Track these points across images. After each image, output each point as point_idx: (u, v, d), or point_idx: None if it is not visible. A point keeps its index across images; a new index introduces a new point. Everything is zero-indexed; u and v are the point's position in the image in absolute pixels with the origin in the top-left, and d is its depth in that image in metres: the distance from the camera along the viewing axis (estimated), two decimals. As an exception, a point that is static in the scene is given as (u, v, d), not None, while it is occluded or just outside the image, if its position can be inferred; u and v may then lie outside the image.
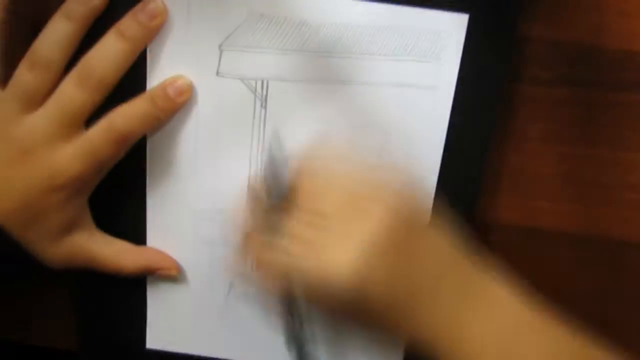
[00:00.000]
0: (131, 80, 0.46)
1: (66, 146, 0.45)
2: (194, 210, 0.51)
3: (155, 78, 0.47)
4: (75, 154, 0.45)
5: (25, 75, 0.44)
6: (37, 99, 0.44)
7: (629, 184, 0.51)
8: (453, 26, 0.45)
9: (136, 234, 0.52)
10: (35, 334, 0.56)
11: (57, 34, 0.44)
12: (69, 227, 0.48)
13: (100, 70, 0.44)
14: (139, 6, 0.44)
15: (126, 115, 0.45)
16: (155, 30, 0.45)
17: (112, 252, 0.50)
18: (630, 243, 0.52)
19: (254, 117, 0.48)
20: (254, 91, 0.47)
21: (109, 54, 0.44)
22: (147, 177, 0.50)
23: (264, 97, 0.47)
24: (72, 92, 0.44)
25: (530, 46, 0.48)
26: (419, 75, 0.46)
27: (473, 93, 0.46)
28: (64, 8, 0.44)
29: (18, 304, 0.56)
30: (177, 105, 0.47)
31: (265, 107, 0.48)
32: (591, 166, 0.51)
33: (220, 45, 0.46)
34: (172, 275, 0.52)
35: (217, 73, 0.47)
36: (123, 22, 0.44)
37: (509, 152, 0.51)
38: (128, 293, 0.54)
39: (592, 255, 0.53)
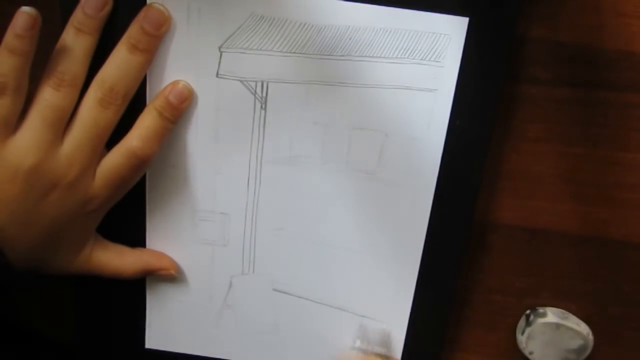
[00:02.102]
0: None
1: (94, 172, 0.45)
2: (193, 211, 0.51)
3: (155, 79, 0.47)
4: (104, 182, 0.46)
5: (53, 96, 0.43)
6: (65, 119, 0.44)
7: (629, 184, 0.51)
8: (453, 29, 0.45)
9: (136, 234, 0.52)
10: (34, 333, 0.56)
11: (75, 48, 0.43)
12: (85, 242, 0.49)
13: (123, 87, 0.44)
14: (144, 15, 0.44)
15: (143, 137, 0.46)
16: (162, 37, 0.45)
17: (109, 257, 0.50)
18: (630, 243, 0.52)
19: (253, 119, 0.48)
20: (254, 93, 0.47)
21: (128, 69, 0.44)
22: (147, 178, 0.50)
23: (263, 98, 0.47)
24: (97, 114, 0.44)
25: (530, 47, 0.48)
26: (419, 77, 0.46)
27: (473, 95, 0.47)
28: (75, 22, 0.43)
29: (18, 304, 0.56)
30: (182, 112, 0.47)
31: (265, 109, 0.48)
32: (591, 166, 0.51)
33: (220, 47, 0.46)
34: (172, 275, 0.52)
35: (217, 74, 0.47)
36: (133, 35, 0.44)
37: (509, 152, 0.51)
38: (127, 293, 0.54)
39: (592, 255, 0.53)
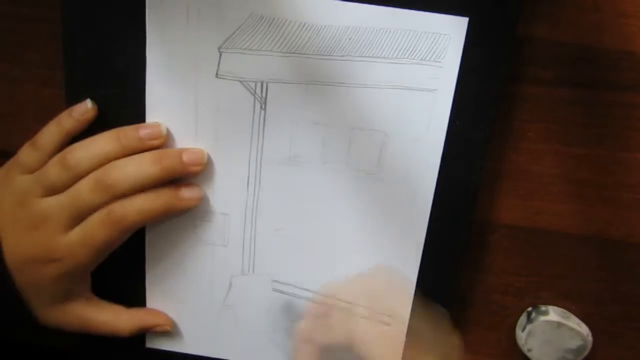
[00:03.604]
0: (131, 81, 0.46)
1: (69, 232, 0.47)
2: (193, 211, 0.51)
3: (155, 80, 0.47)
4: (75, 238, 0.47)
5: (54, 170, 0.46)
6: (57, 191, 0.46)
7: (629, 184, 0.51)
8: (453, 29, 0.45)
9: (136, 234, 0.51)
10: (35, 333, 0.56)
11: (97, 147, 0.46)
12: (65, 297, 0.50)
13: (122, 185, 0.46)
14: (186, 149, 0.48)
15: (125, 205, 0.47)
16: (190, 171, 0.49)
17: (106, 318, 0.51)
18: (630, 243, 0.52)
19: (253, 119, 0.48)
20: (254, 93, 0.47)
21: (137, 174, 0.46)
22: (147, 178, 0.50)
23: (263, 99, 0.47)
24: (88, 195, 0.46)
25: (530, 47, 0.48)
26: (418, 77, 0.46)
27: (473, 94, 0.47)
28: (113, 131, 0.47)
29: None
30: (181, 206, 0.49)
31: (265, 109, 0.48)
32: (591, 166, 0.51)
33: (219, 47, 0.46)
34: (167, 331, 0.54)
35: (217, 75, 0.47)
36: (166, 152, 0.47)
37: (509, 152, 0.50)
38: (127, 293, 0.54)
39: (592, 255, 0.53)
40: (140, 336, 0.55)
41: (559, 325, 0.53)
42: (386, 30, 0.45)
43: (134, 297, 0.54)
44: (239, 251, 0.52)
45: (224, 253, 0.52)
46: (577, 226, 0.52)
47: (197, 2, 0.45)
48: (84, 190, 0.46)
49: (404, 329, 0.53)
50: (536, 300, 0.55)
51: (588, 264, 0.53)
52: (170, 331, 0.54)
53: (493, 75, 0.46)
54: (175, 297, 0.54)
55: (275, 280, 0.53)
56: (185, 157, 0.47)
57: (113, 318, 0.52)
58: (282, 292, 0.53)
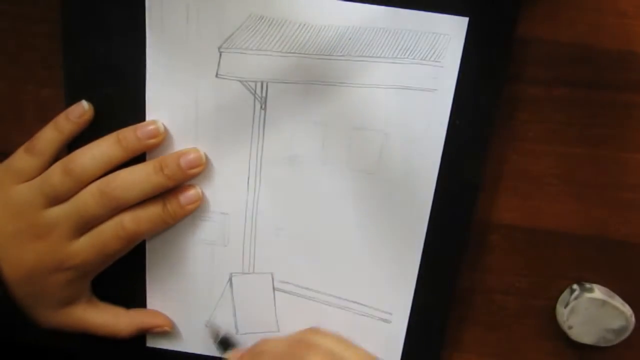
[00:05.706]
0: (131, 81, 0.46)
1: (77, 240, 0.47)
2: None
3: (155, 80, 0.47)
4: (86, 247, 0.47)
5: (57, 178, 0.46)
6: (60, 199, 0.47)
7: (629, 184, 0.51)
8: (453, 29, 0.45)
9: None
10: (35, 334, 0.56)
11: (99, 152, 0.46)
12: (68, 302, 0.50)
13: (127, 197, 0.46)
14: (183, 153, 0.48)
15: (136, 218, 0.47)
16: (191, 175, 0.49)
17: (106, 320, 0.52)
18: (630, 243, 0.52)
19: (253, 119, 0.48)
20: (254, 93, 0.47)
21: (141, 184, 0.47)
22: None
23: (263, 98, 0.47)
24: (92, 205, 0.46)
25: (530, 46, 0.48)
26: (419, 77, 0.46)
27: (473, 94, 0.47)
28: (113, 134, 0.47)
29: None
30: (185, 212, 0.49)
31: (265, 109, 0.48)
32: (591, 166, 0.51)
33: (219, 47, 0.46)
34: (166, 331, 0.54)
35: (217, 75, 0.47)
36: (165, 159, 0.47)
37: (509, 152, 0.50)
38: (128, 292, 0.54)
39: (592, 255, 0.53)
40: (140, 336, 0.55)
41: (603, 303, 0.52)
42: (386, 30, 0.45)
43: (135, 296, 0.54)
44: (239, 251, 0.52)
45: (224, 252, 0.52)
46: (577, 226, 0.52)
47: (197, 2, 0.45)
48: (89, 201, 0.46)
49: (404, 328, 0.53)
50: (537, 300, 0.55)
51: (588, 263, 0.53)
52: (170, 332, 0.54)
53: (493, 75, 0.46)
54: (175, 296, 0.54)
55: (276, 280, 0.53)
56: (182, 163, 0.47)
57: (113, 320, 0.52)
58: (282, 291, 0.53)
